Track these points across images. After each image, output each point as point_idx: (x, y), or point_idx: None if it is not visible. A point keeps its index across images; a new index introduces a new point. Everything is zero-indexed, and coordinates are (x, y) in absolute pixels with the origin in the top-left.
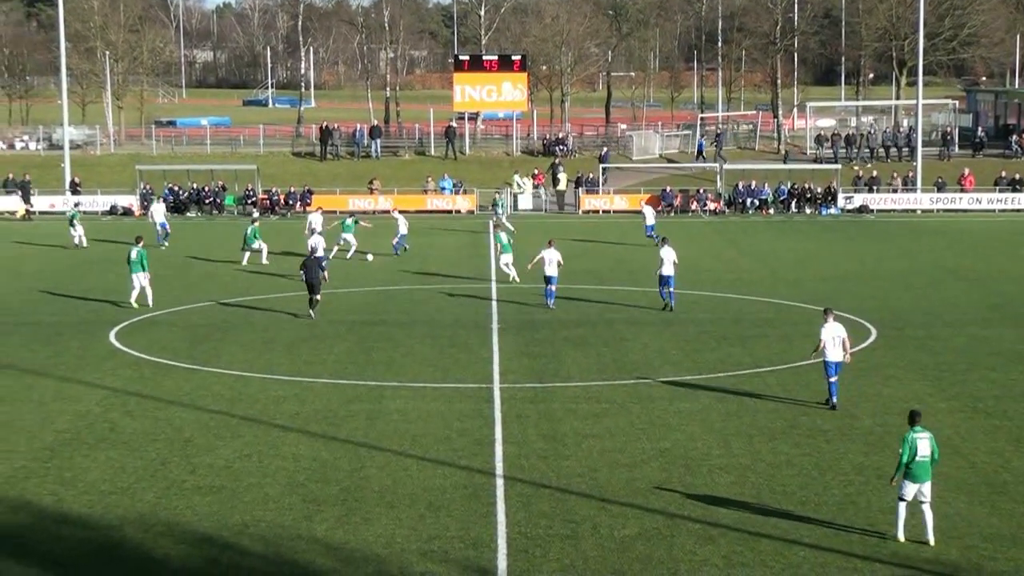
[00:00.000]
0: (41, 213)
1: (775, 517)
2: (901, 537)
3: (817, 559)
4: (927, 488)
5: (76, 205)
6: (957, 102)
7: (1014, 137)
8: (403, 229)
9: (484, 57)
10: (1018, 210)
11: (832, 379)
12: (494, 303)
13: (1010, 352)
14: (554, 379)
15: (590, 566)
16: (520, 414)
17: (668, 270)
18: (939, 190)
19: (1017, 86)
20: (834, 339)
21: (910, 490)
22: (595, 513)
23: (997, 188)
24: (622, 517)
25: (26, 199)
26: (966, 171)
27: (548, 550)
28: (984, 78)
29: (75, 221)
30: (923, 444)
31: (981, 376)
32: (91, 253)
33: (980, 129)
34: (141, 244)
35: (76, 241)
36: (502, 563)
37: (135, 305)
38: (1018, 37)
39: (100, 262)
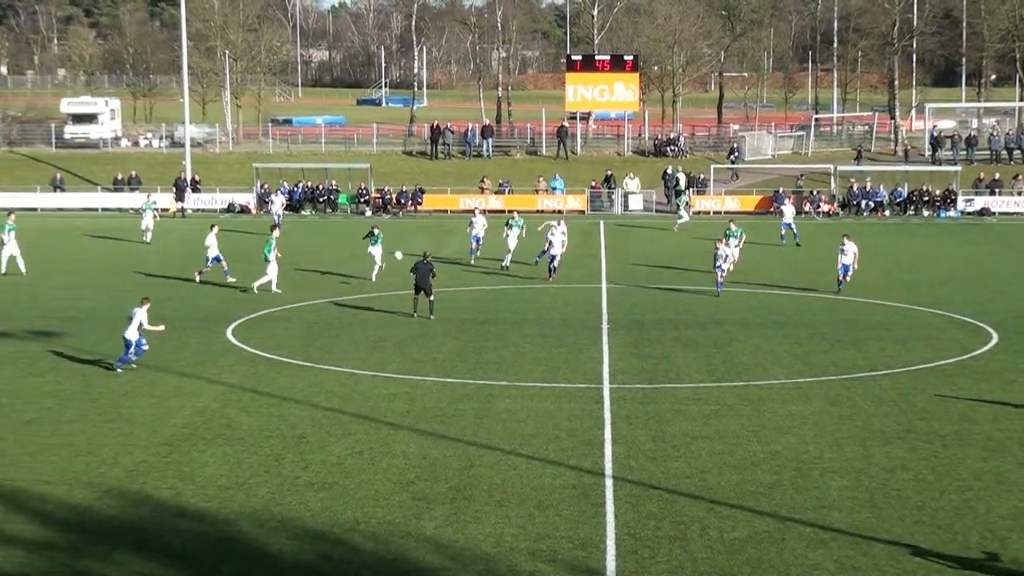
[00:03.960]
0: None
1: (889, 522)
2: None
3: (933, 566)
4: None
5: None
6: None
7: None
8: (477, 230)
9: (596, 57)
10: None
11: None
12: (604, 303)
13: None
14: (663, 380)
15: (699, 568)
16: (629, 415)
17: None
18: None
19: None
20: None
21: None
22: (704, 515)
23: None
24: (731, 520)
25: (180, 197)
26: None
27: (657, 552)
28: None
29: (145, 212)
30: None
31: None
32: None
33: None
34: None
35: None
36: (611, 564)
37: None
38: None
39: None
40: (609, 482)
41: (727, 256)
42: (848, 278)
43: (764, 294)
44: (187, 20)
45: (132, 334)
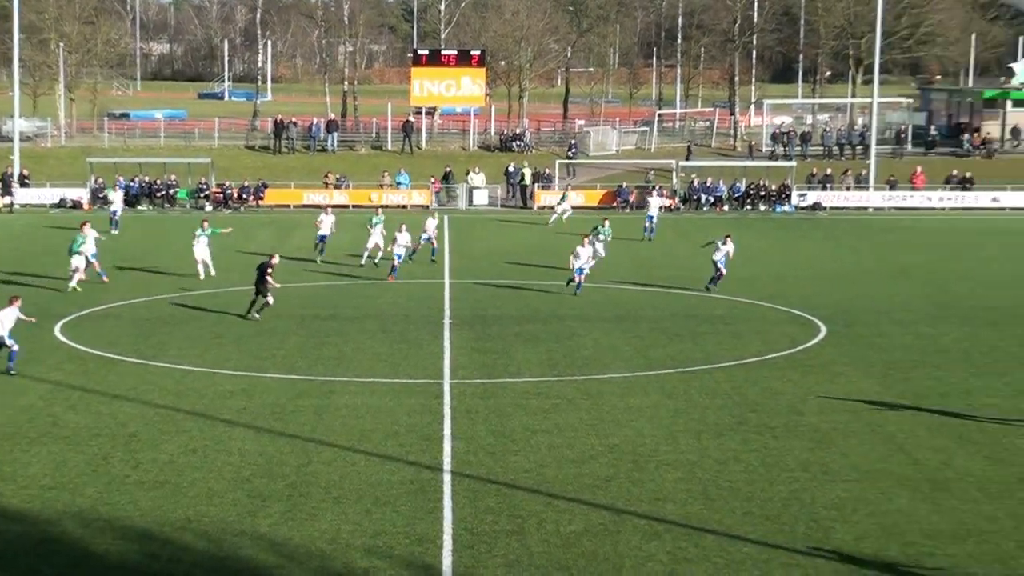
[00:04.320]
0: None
1: (720, 513)
2: None
3: (761, 555)
4: None
5: None
6: (911, 100)
7: (966, 136)
8: (324, 229)
9: (443, 52)
10: (967, 208)
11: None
12: (447, 298)
13: (956, 350)
14: (504, 375)
15: (535, 562)
16: (469, 410)
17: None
18: (891, 188)
19: (971, 85)
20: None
21: None
22: (542, 509)
23: (948, 186)
24: (568, 513)
25: (6, 192)
26: (918, 169)
27: (493, 546)
28: (939, 77)
29: None
30: None
31: (927, 374)
32: (38, 244)
33: (933, 128)
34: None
35: None
36: (447, 559)
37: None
38: (973, 36)
39: (45, 254)
40: (447, 477)
41: (590, 255)
42: (722, 273)
43: (608, 289)
44: (19, 12)
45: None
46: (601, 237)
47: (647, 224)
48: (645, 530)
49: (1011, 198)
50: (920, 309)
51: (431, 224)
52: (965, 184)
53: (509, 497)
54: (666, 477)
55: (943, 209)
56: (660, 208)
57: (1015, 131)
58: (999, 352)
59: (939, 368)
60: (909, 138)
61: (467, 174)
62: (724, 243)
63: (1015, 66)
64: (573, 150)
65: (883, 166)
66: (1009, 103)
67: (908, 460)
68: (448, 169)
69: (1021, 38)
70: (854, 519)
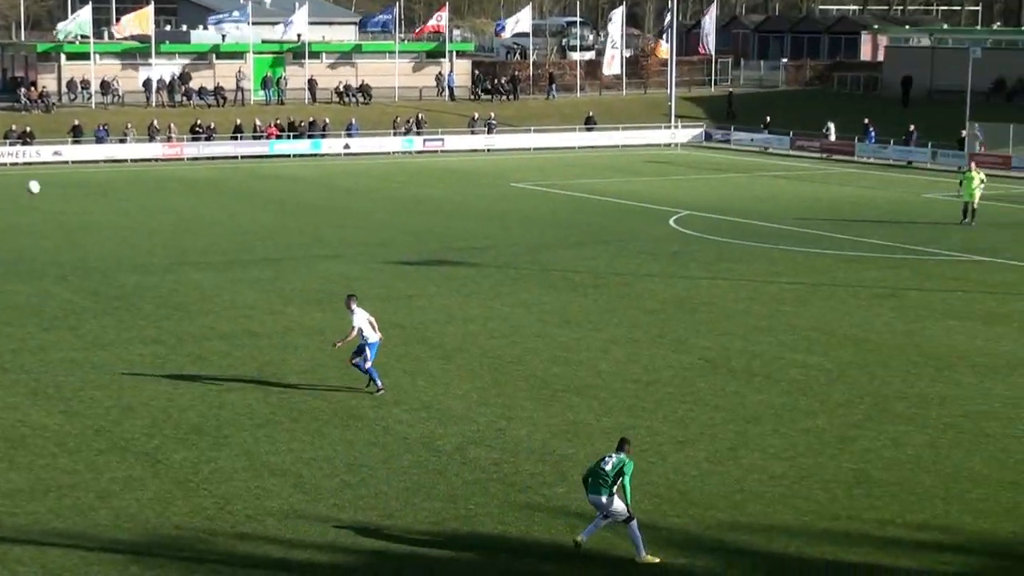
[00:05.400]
0: None
1: None
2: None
3: None
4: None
5: None
6: None
7: (23, 90)
8: None
9: None
10: (29, 163)
11: None
12: None
13: (26, 306)
14: None
15: None
16: None
17: None
18: None
19: (23, 39)
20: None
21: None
22: None
23: (8, 142)
24: None
25: None
26: None
27: None
28: None
29: None
30: (606, 460)
31: None
32: None
33: None
34: None
35: None
36: None
37: None
38: None
39: None
40: None
41: None
42: None
43: None
44: None
45: None
46: None
47: None
48: None
49: (72, 151)
50: None
51: None
52: (25, 139)
53: None
54: None
55: (5, 164)
56: None
57: (71, 84)
58: (72, 306)
59: (10, 324)
60: None
61: None
62: None
63: (62, 25)
64: None
65: None
66: (64, 56)
67: None
68: None
69: None
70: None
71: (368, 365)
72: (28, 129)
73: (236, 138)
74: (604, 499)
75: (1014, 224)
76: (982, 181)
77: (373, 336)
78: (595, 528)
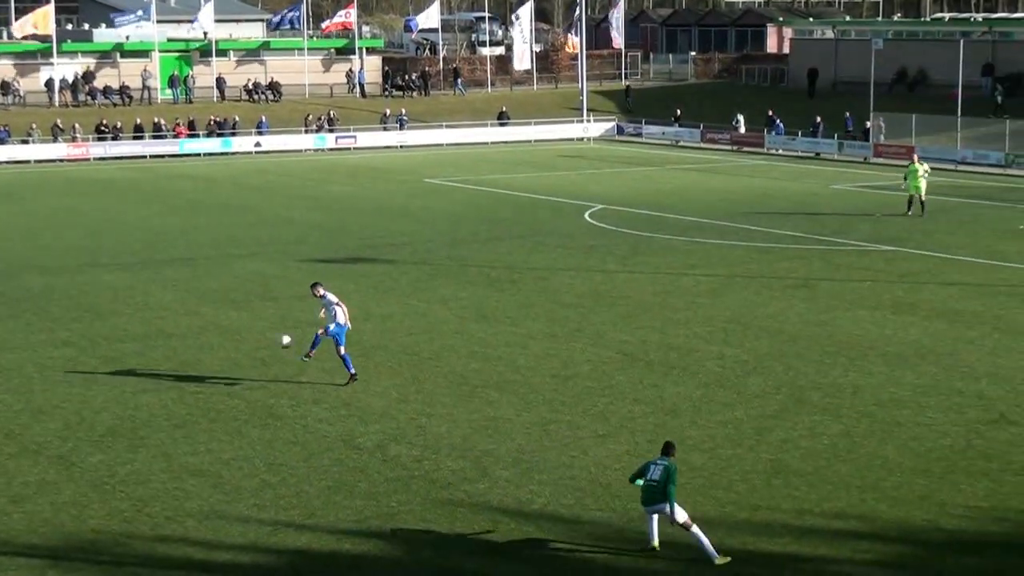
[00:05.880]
0: None
1: None
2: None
3: None
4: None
5: None
6: None
7: None
8: None
9: None
10: None
11: None
12: None
13: None
14: None
15: None
16: None
17: None
18: None
19: None
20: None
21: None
22: None
23: None
24: None
25: None
26: None
27: None
28: None
29: None
30: (655, 468)
31: None
32: None
33: None
34: None
35: None
36: None
37: None
38: None
39: None
40: None
41: None
42: None
43: None
44: None
45: None
46: None
47: None
48: None
49: None
50: None
51: None
52: None
53: None
54: None
55: None
56: None
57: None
58: None
59: None
60: None
61: None
62: None
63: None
64: None
65: None
66: None
67: None
68: None
69: None
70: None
71: (343, 351)
72: None
73: (142, 137)
74: (667, 509)
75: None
76: (926, 172)
77: (345, 321)
78: (655, 524)
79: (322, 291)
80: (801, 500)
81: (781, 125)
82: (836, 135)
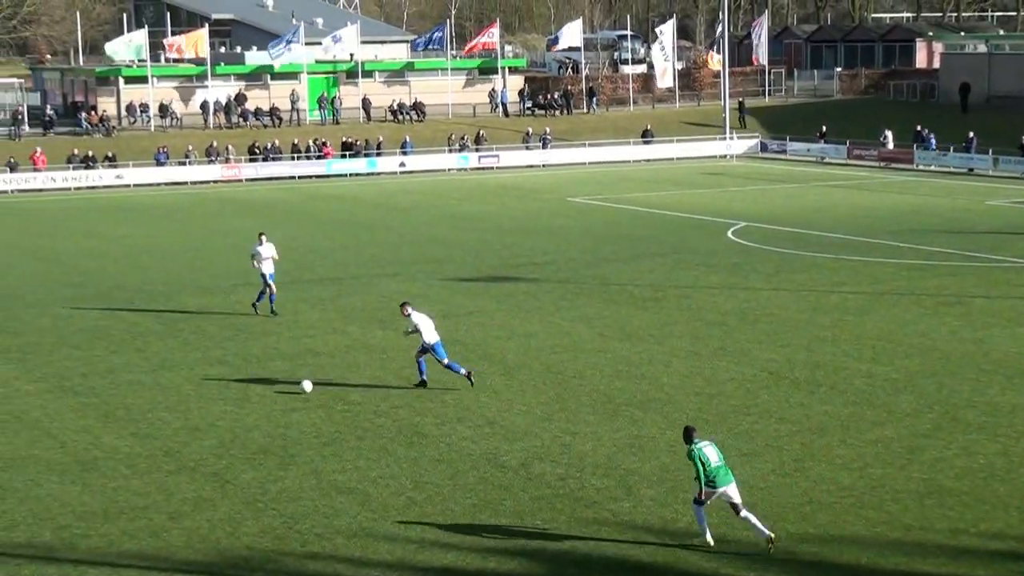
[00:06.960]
0: None
1: None
2: (710, 540)
3: None
4: (733, 491)
5: None
6: (24, 80)
7: (83, 114)
8: None
9: None
10: (92, 187)
11: None
12: None
13: (94, 328)
14: None
15: None
16: None
17: None
18: (12, 170)
19: (82, 64)
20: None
21: (714, 494)
22: None
23: (71, 166)
24: None
25: None
26: (38, 150)
27: None
28: (49, 56)
29: None
30: (709, 451)
31: (67, 354)
32: None
33: (49, 107)
34: None
35: None
36: None
37: None
38: (78, 15)
39: None
40: None
41: None
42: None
43: None
44: None
45: None
46: None
47: None
48: None
49: (134, 175)
50: (54, 290)
51: None
52: (88, 163)
53: None
54: None
55: (69, 189)
56: None
57: (130, 108)
58: (138, 328)
59: (79, 348)
60: (26, 118)
61: None
62: None
63: (110, 45)
64: None
65: (1, 148)
66: (122, 80)
67: (55, 444)
68: None
69: (124, 14)
70: (2, 508)
71: (446, 361)
72: (90, 153)
73: (294, 158)
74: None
75: None
76: None
77: (432, 337)
78: (752, 517)
79: (409, 310)
80: (956, 520)
81: (932, 140)
82: (991, 150)
